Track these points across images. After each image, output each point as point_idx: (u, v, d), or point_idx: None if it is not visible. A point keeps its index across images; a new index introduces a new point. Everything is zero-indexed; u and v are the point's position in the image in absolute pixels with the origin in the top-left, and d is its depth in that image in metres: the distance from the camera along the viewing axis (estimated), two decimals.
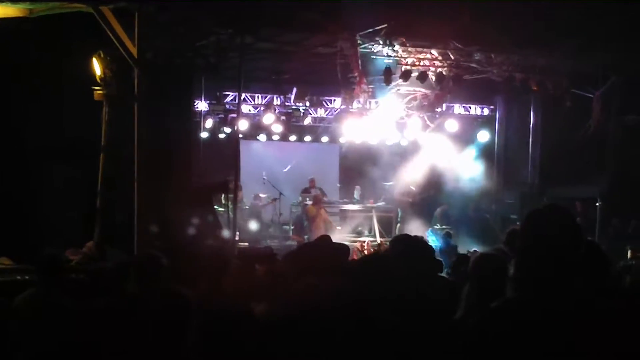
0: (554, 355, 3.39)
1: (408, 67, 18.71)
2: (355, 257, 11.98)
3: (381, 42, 17.59)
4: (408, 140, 24.26)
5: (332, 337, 4.45)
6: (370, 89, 20.16)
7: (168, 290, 4.96)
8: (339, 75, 18.36)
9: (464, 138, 24.59)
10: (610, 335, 3.45)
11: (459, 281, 6.98)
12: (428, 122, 23.68)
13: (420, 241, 5.51)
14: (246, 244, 19.04)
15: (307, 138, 26.32)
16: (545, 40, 17.21)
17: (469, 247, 17.46)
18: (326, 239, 6.10)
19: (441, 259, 10.38)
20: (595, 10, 14.87)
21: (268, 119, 23.25)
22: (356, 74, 18.60)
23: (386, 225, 23.13)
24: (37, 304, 6.66)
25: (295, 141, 26.17)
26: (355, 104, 22.22)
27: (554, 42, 17.31)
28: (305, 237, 21.74)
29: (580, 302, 3.52)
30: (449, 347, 4.30)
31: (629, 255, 14.22)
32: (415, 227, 20.58)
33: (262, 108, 23.68)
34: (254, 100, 23.75)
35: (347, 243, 19.53)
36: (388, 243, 20.68)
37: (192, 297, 4.89)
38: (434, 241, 19.88)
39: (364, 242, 20.91)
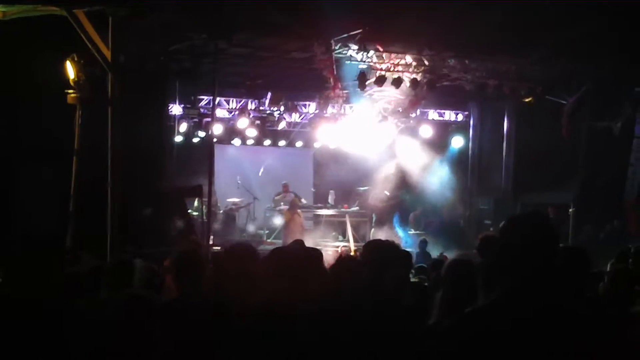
0: None
1: (382, 73, 18.74)
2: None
3: (355, 48, 17.62)
4: (382, 145, 24.26)
5: (305, 341, 4.45)
6: (345, 94, 20.18)
7: (131, 294, 4.92)
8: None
9: (438, 143, 24.64)
10: (581, 342, 3.47)
11: (435, 287, 6.99)
12: (401, 127, 23.70)
13: (393, 246, 5.51)
14: (218, 248, 18.95)
15: (282, 142, 26.30)
16: (518, 47, 17.30)
17: (441, 252, 17.51)
18: (299, 243, 6.09)
19: (421, 264, 10.42)
20: (568, 17, 14.96)
21: (242, 123, 23.24)
22: (331, 79, 18.61)
23: (360, 230, 23.15)
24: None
25: (269, 146, 26.15)
26: (329, 109, 22.26)
27: (527, 48, 17.41)
28: (279, 241, 21.77)
29: (553, 309, 3.53)
30: (422, 352, 4.31)
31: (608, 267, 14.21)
32: (389, 232, 20.62)
33: (236, 112, 23.66)
34: (229, 105, 23.74)
35: (320, 248, 19.68)
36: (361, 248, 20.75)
37: (160, 300, 4.87)
38: (403, 236, 20.00)
39: (338, 247, 20.94)
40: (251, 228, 23.69)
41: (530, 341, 3.41)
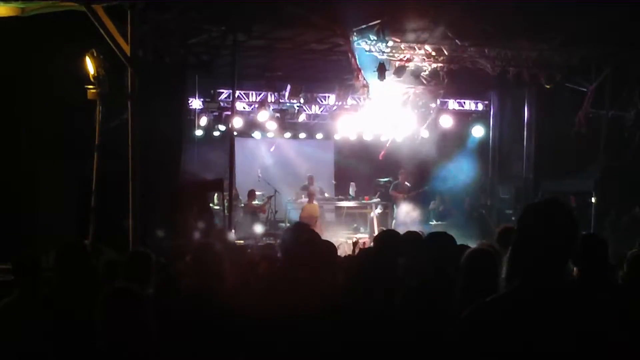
0: (546, 351, 3.39)
1: (402, 63, 18.68)
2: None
3: (374, 38, 17.58)
4: (402, 136, 24.20)
5: (325, 332, 4.46)
6: (368, 83, 20.09)
7: (119, 288, 4.94)
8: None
9: (459, 133, 24.56)
10: (599, 328, 3.44)
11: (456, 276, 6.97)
12: (422, 118, 23.60)
13: (411, 235, 5.50)
14: (241, 241, 18.99)
15: (302, 135, 26.31)
16: (539, 32, 17.21)
17: (463, 242, 17.44)
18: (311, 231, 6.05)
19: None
20: (588, 3, 14.87)
21: (262, 116, 23.26)
22: (354, 68, 18.51)
23: (382, 222, 23.12)
24: (13, 310, 6.41)
25: (289, 138, 26.16)
26: (349, 100, 22.23)
27: (547, 34, 17.32)
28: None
29: (572, 296, 3.51)
30: (441, 342, 4.31)
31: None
32: (411, 223, 20.59)
33: (256, 105, 23.69)
34: (248, 98, 23.77)
35: (342, 239, 19.69)
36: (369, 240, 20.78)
37: (147, 295, 4.89)
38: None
39: (360, 238, 20.92)
40: (272, 221, 23.64)
41: (550, 329, 3.39)
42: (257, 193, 23.58)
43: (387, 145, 23.66)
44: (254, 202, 22.90)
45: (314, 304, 4.57)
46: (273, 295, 5.24)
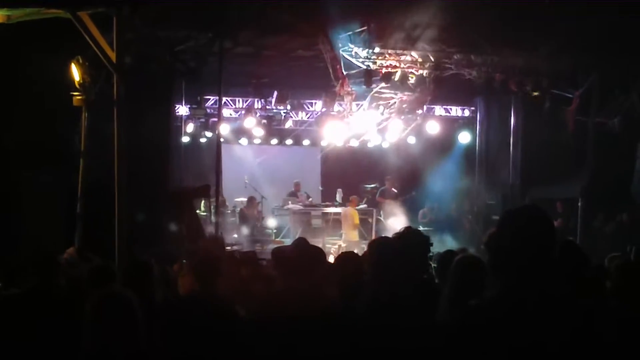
0: (529, 354, 3.41)
1: (388, 70, 18.70)
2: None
3: (360, 45, 17.60)
4: (389, 142, 24.25)
5: (311, 339, 4.46)
6: (353, 91, 20.11)
7: (110, 292, 4.94)
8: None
9: (445, 139, 24.63)
10: (582, 335, 3.47)
11: (441, 283, 6.99)
12: (408, 125, 23.64)
13: (399, 242, 5.50)
14: (228, 247, 18.96)
15: (289, 141, 26.32)
16: (524, 41, 17.25)
17: (449, 248, 17.44)
18: (303, 241, 6.08)
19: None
20: (574, 10, 14.92)
21: (249, 122, 23.29)
22: (339, 75, 18.53)
23: (368, 228, 23.13)
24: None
25: (276, 144, 26.16)
26: (336, 107, 22.24)
27: (534, 42, 17.36)
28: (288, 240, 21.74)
29: (553, 302, 3.53)
30: (427, 348, 4.31)
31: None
32: (397, 229, 20.58)
33: (243, 112, 23.70)
34: (235, 104, 23.81)
35: (329, 245, 19.70)
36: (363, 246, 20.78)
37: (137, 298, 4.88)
38: None
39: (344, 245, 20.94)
40: (260, 227, 23.59)
41: (531, 335, 3.42)
42: (243, 200, 23.53)
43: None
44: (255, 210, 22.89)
45: (305, 308, 4.58)
46: (265, 299, 5.25)
